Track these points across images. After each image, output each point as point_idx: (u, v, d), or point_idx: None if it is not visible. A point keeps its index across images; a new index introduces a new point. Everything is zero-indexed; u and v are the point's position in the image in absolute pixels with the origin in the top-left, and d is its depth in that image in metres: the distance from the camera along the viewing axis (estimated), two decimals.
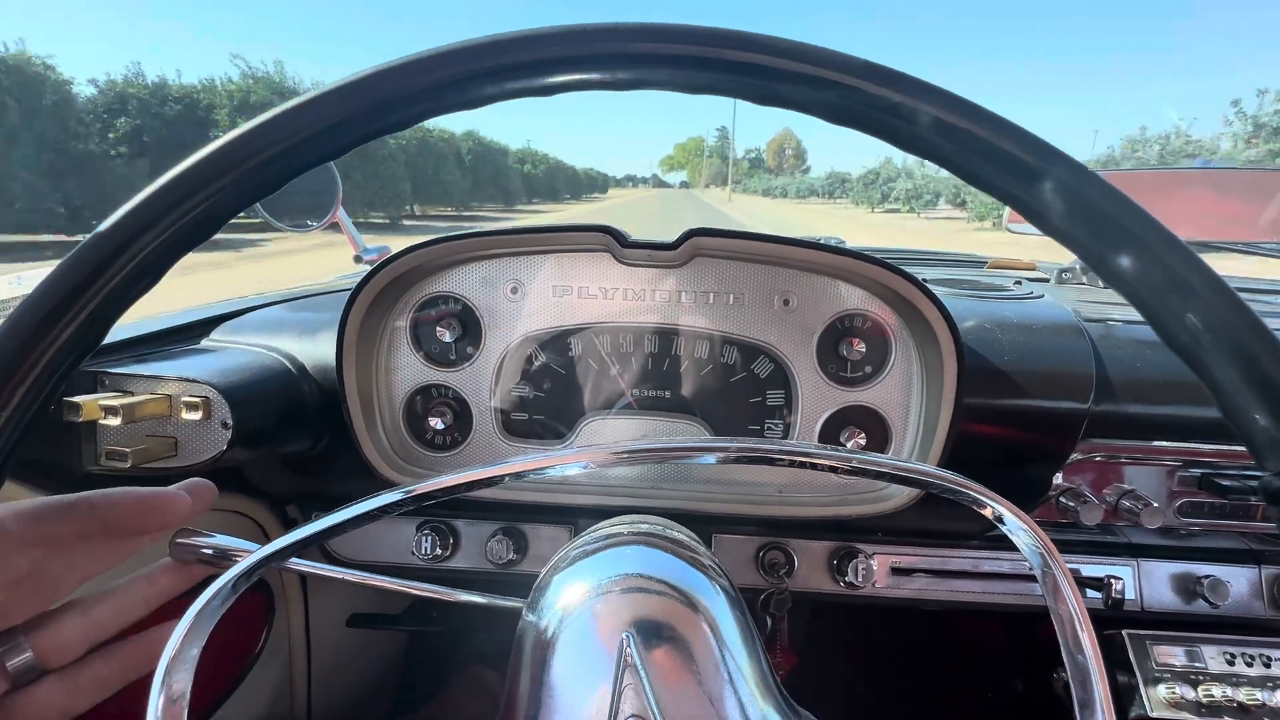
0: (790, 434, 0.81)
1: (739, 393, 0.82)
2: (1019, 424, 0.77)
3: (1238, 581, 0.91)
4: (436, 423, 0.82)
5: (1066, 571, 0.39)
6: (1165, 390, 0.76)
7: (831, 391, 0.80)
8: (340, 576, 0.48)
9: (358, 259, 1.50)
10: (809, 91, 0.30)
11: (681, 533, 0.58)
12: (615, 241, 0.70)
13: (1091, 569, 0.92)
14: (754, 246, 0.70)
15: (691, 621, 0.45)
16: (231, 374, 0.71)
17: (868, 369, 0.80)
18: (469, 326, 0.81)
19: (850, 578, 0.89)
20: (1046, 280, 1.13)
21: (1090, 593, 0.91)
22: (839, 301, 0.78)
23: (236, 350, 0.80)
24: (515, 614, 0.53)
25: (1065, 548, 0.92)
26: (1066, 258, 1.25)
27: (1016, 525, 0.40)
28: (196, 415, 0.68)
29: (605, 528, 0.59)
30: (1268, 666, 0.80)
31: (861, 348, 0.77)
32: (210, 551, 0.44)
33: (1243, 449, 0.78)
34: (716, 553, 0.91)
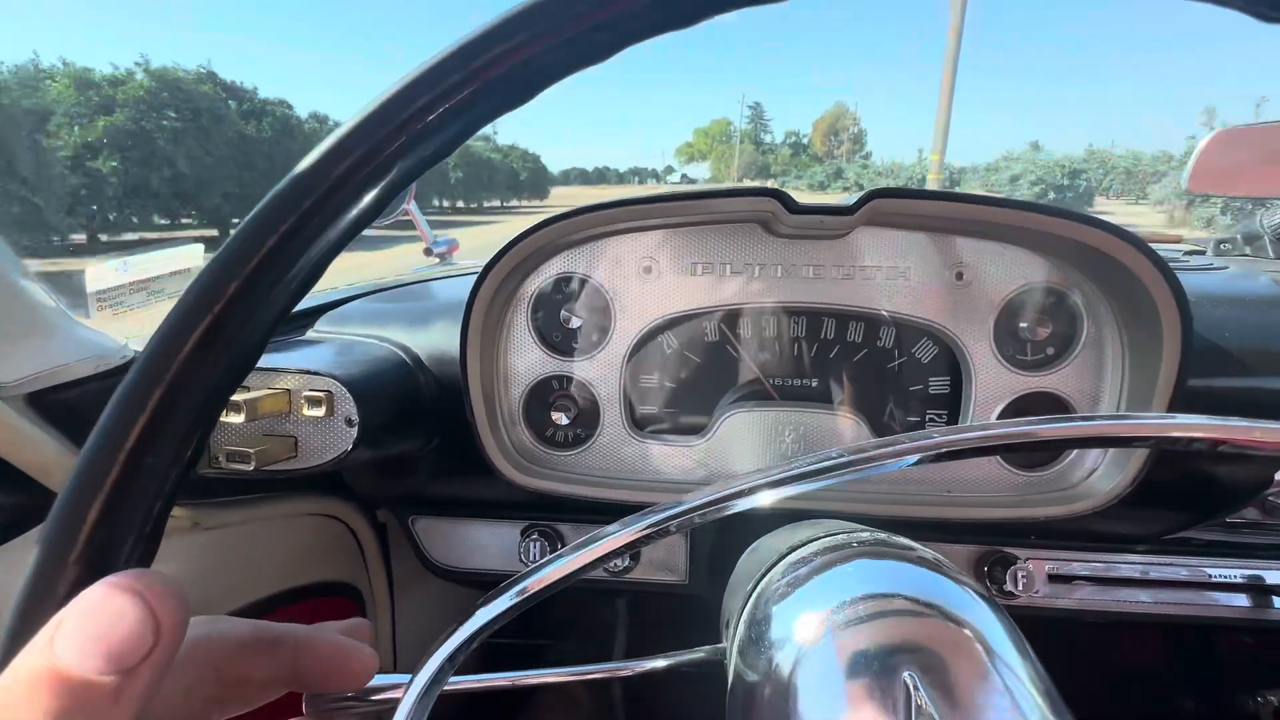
0: (961, 421, 0.72)
1: (898, 381, 0.73)
2: (1240, 408, 0.66)
3: None
4: (560, 418, 0.74)
5: None
6: None
7: (1010, 377, 0.70)
8: (499, 684, 0.40)
9: (428, 251, 1.45)
10: None
11: (891, 536, 0.50)
12: (782, 207, 0.61)
13: (1277, 575, 0.81)
14: (941, 208, 0.61)
15: (965, 643, 0.37)
16: (352, 366, 0.64)
17: (1050, 350, 0.70)
18: (596, 311, 0.73)
19: (1009, 586, 0.79)
20: (1204, 253, 1.02)
21: (1278, 601, 0.81)
22: (1020, 274, 0.68)
23: (350, 341, 0.73)
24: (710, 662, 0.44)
25: (1250, 551, 0.81)
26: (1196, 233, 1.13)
27: None
28: (319, 411, 0.61)
29: (793, 542, 0.50)
30: None
31: (1047, 326, 0.68)
32: (350, 695, 0.36)
33: None
34: None
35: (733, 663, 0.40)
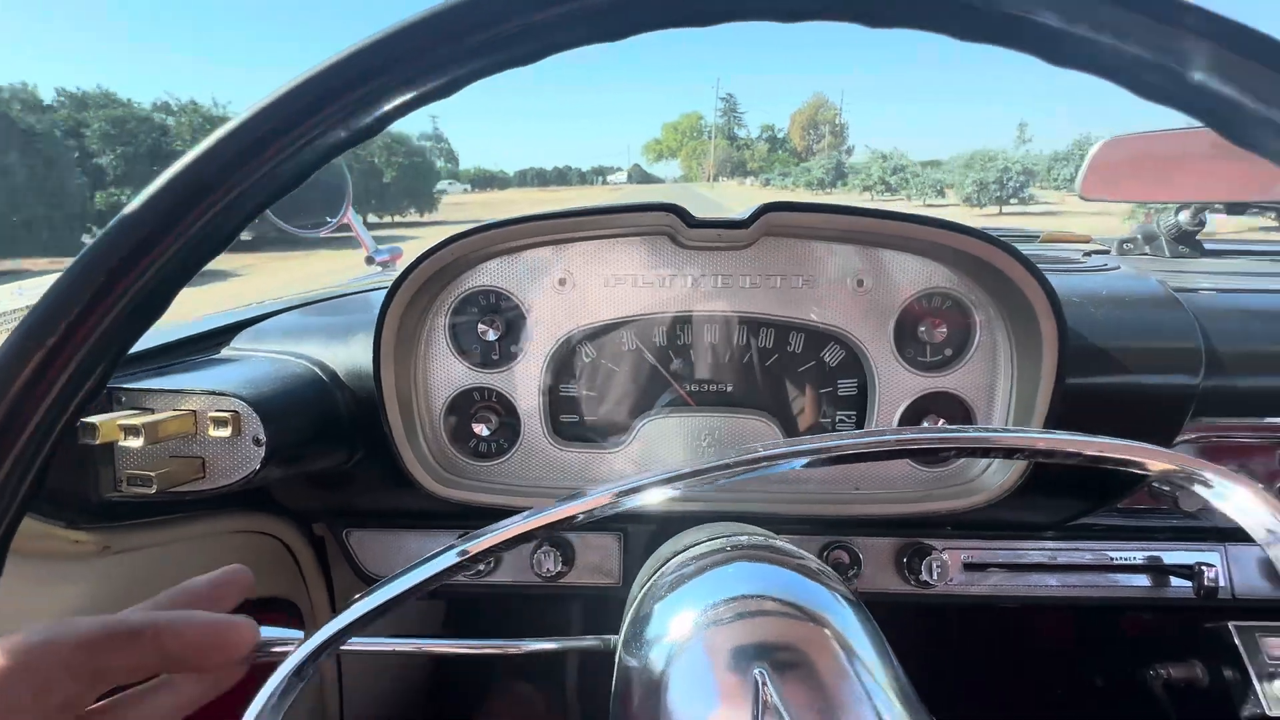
0: (866, 422, 0.75)
1: (808, 384, 0.76)
2: (1122, 405, 0.71)
3: None
4: (481, 429, 0.75)
5: None
6: (1277, 362, 0.70)
7: (911, 378, 0.73)
8: (398, 649, 0.41)
9: (370, 260, 1.44)
10: None
11: (776, 539, 0.52)
12: (680, 221, 0.63)
13: (1177, 556, 0.86)
14: (833, 221, 0.64)
15: (822, 641, 0.39)
16: (261, 384, 0.64)
17: (948, 352, 0.74)
18: (513, 323, 0.75)
19: (924, 576, 0.83)
20: (1107, 252, 1.07)
21: (1177, 581, 0.86)
22: (918, 280, 0.71)
23: (262, 359, 0.73)
24: (597, 650, 0.46)
25: (1146, 534, 0.86)
26: (1114, 231, 1.19)
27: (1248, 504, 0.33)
28: (225, 432, 0.61)
29: (686, 543, 0.52)
30: None
31: (943, 329, 0.71)
32: (263, 643, 0.37)
33: None
34: None
35: (618, 654, 0.42)
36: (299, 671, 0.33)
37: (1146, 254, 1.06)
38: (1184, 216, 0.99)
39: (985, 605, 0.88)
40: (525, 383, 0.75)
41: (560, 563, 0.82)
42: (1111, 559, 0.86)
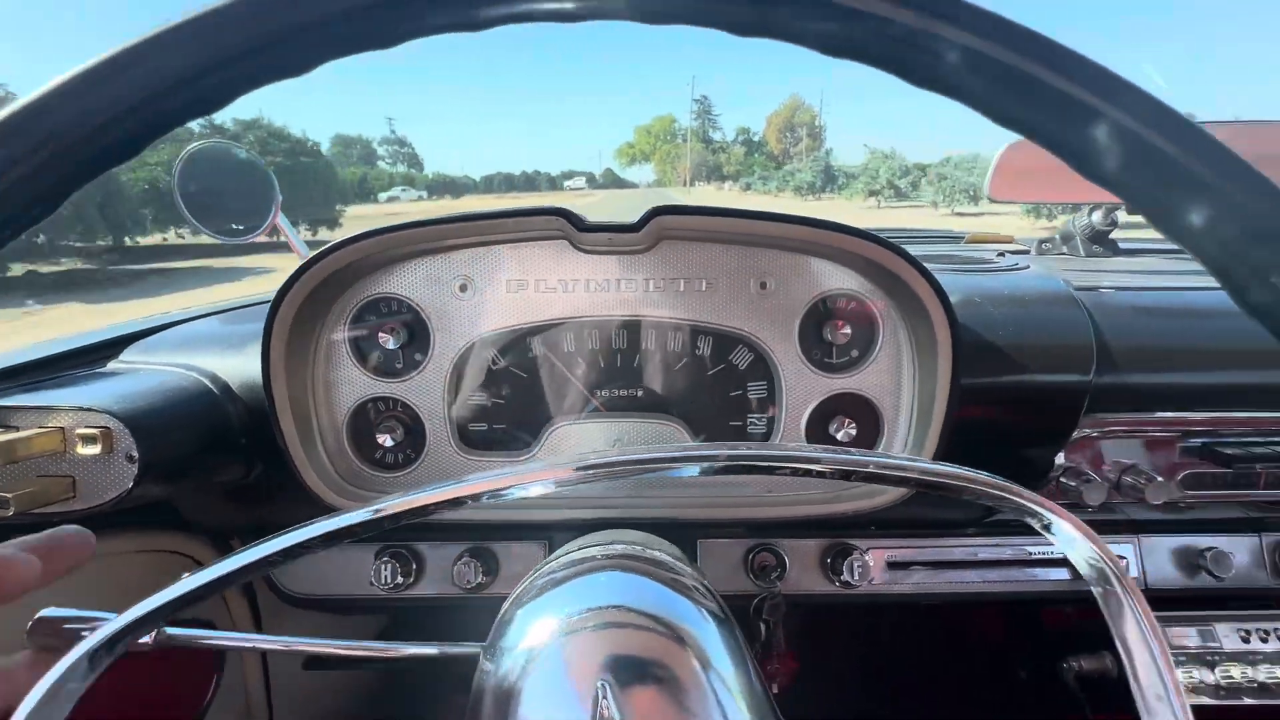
0: (775, 428, 0.75)
1: (717, 387, 0.75)
2: (1019, 402, 0.72)
3: (1239, 552, 0.88)
4: (385, 440, 0.73)
5: (1137, 594, 0.34)
6: (1168, 358, 0.72)
7: (817, 380, 0.73)
8: (229, 645, 0.40)
9: None
10: (796, 14, 0.23)
11: (661, 549, 0.51)
12: (571, 226, 0.62)
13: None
14: (726, 224, 0.64)
15: (677, 655, 0.39)
16: (137, 399, 0.62)
17: (854, 353, 0.74)
18: (415, 331, 0.73)
19: (846, 576, 0.83)
20: (1027, 252, 1.09)
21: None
22: (820, 282, 0.71)
23: (147, 373, 0.71)
24: (472, 656, 0.45)
25: None
26: (1042, 232, 1.21)
27: (1071, 536, 0.34)
28: (95, 449, 0.58)
29: (576, 549, 0.52)
30: None
31: (846, 330, 0.71)
32: (80, 628, 0.36)
33: (1245, 415, 0.73)
34: (703, 560, 0.84)
35: (480, 661, 0.41)
36: (97, 656, 0.31)
37: (1064, 254, 1.08)
38: (1097, 217, 1.01)
39: (911, 603, 0.88)
40: (430, 391, 0.74)
41: (482, 573, 0.80)
42: (1030, 554, 0.88)
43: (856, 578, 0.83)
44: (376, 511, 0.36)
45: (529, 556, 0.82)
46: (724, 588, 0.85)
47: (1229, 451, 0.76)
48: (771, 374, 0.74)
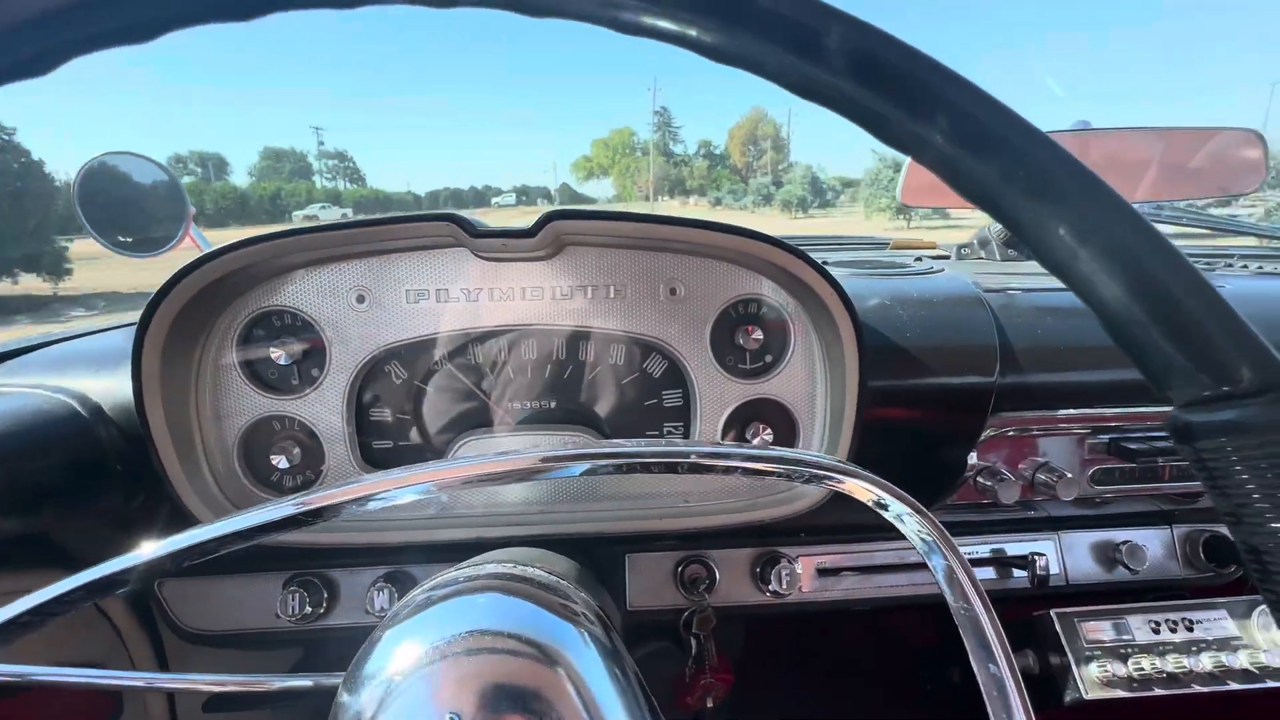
0: (691, 434, 0.74)
1: (631, 395, 0.74)
2: (928, 404, 0.72)
3: (1152, 544, 0.90)
4: (280, 461, 0.69)
5: (968, 569, 0.33)
6: (1068, 356, 0.73)
7: (731, 385, 0.72)
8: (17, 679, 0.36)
9: None
10: None
11: (557, 569, 0.49)
12: (463, 232, 0.60)
13: (1015, 547, 0.89)
14: (627, 228, 0.62)
15: (548, 681, 0.36)
16: None
17: (768, 358, 0.73)
18: (311, 345, 0.69)
19: (775, 585, 0.82)
20: (948, 257, 1.12)
21: (1019, 572, 0.88)
22: (730, 287, 0.71)
23: (6, 396, 0.65)
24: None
25: (988, 528, 0.88)
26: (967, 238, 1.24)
27: (912, 523, 0.33)
28: None
29: (467, 567, 0.49)
30: (1190, 630, 0.79)
31: (758, 335, 0.71)
32: None
33: (1147, 410, 0.75)
34: (632, 575, 0.82)
35: (339, 694, 0.38)
36: None
37: (981, 258, 1.11)
38: None
39: (843, 609, 0.88)
40: (328, 408, 0.70)
41: (397, 599, 0.76)
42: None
43: (785, 586, 0.82)
44: (299, 505, 0.32)
45: None
46: (655, 602, 0.83)
47: (1133, 446, 0.78)
48: (686, 381, 0.72)
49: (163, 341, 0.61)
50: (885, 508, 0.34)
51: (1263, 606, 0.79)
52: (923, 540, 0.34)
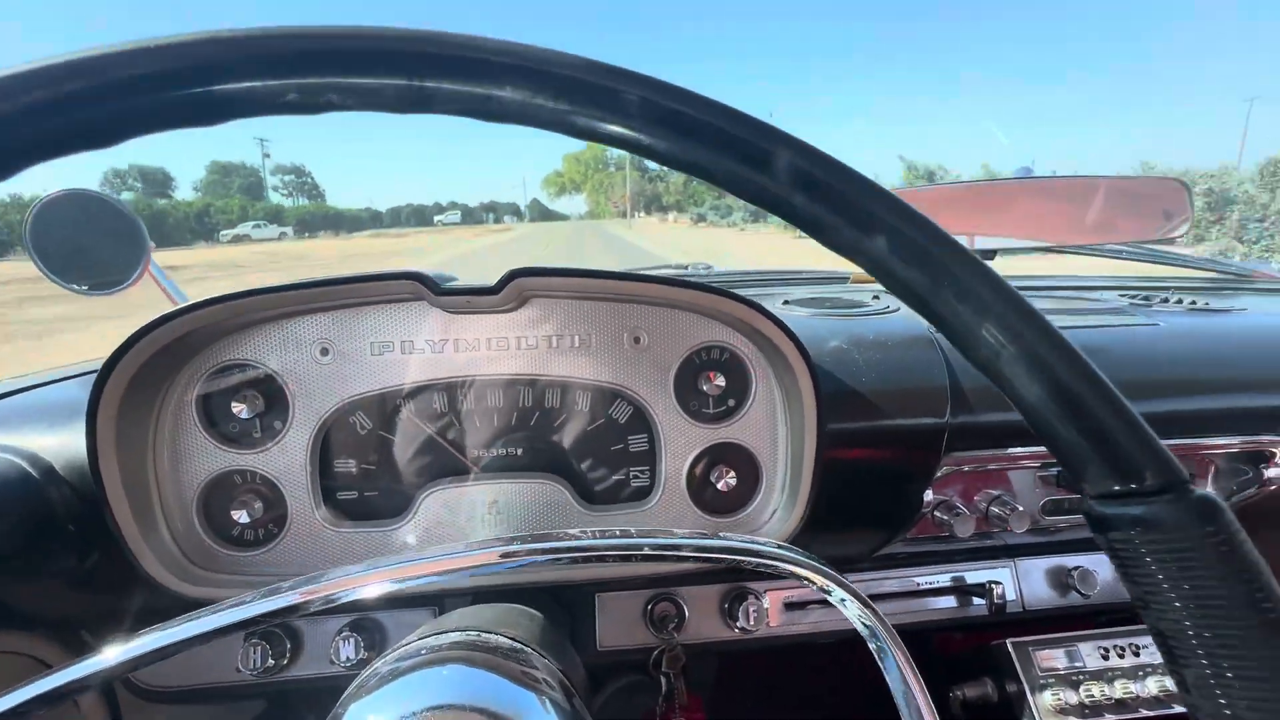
0: (656, 481, 0.75)
1: (599, 442, 0.75)
2: (884, 444, 0.75)
3: (1103, 568, 0.94)
4: (241, 515, 0.68)
5: (901, 648, 0.35)
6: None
7: (696, 430, 0.74)
8: None
9: None
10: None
11: (513, 633, 0.50)
12: (426, 289, 0.61)
13: (975, 575, 0.92)
14: (588, 284, 0.64)
15: None
16: None
17: (731, 403, 0.75)
18: (274, 397, 0.69)
19: (743, 622, 0.84)
20: None
21: (978, 600, 0.91)
22: (692, 335, 0.73)
23: None
24: None
25: (947, 557, 0.91)
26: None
27: (854, 608, 0.35)
28: None
29: (431, 634, 0.49)
30: (1137, 655, 0.82)
31: (720, 381, 0.73)
32: None
33: None
34: (601, 613, 0.82)
35: None
36: None
37: None
38: None
39: (809, 643, 0.89)
40: (291, 461, 0.69)
41: (364, 648, 0.75)
42: (918, 584, 0.91)
43: (753, 622, 0.84)
44: (253, 607, 0.33)
45: (417, 626, 0.78)
46: (625, 641, 0.83)
47: None
48: (651, 426, 0.74)
49: (119, 399, 0.60)
50: (829, 593, 0.36)
51: None
52: (864, 625, 0.35)
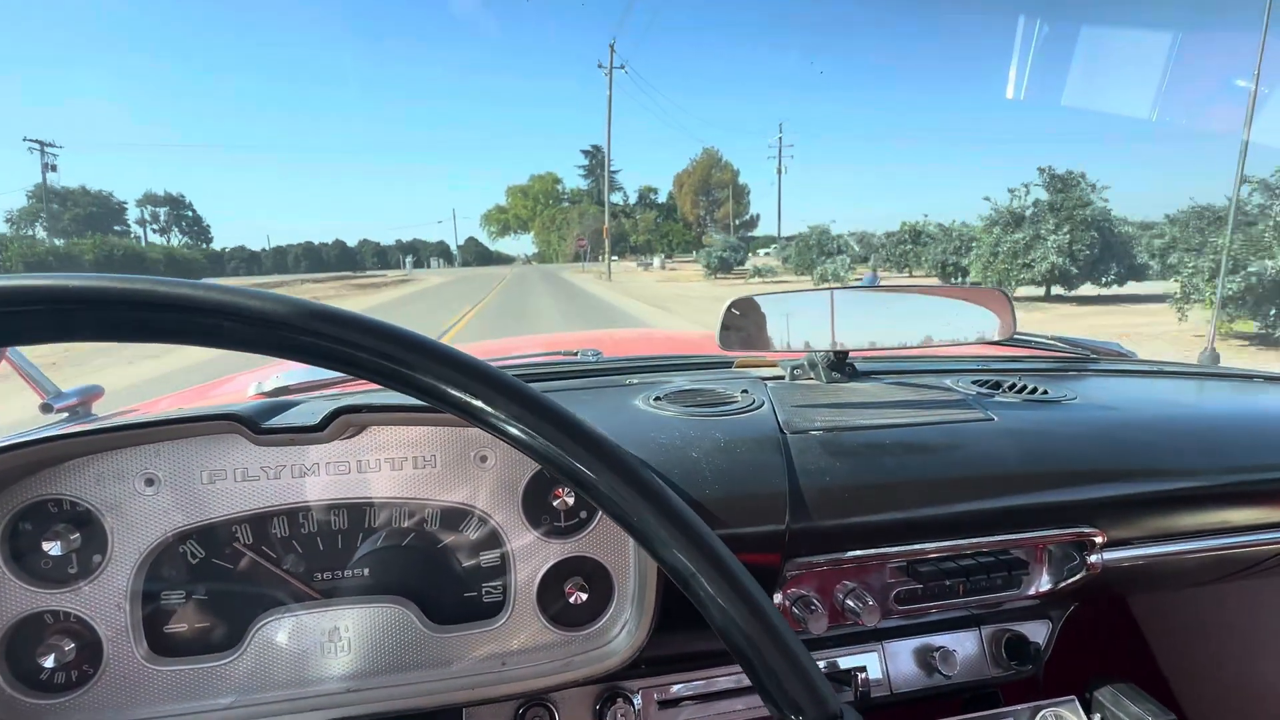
0: (508, 595, 0.75)
1: (447, 560, 0.74)
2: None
3: (965, 647, 0.98)
4: (48, 660, 0.64)
5: None
6: (854, 500, 0.80)
7: (547, 545, 0.75)
8: None
9: (46, 408, 1.24)
10: None
11: None
12: (247, 430, 0.60)
13: (847, 660, 0.95)
14: (407, 418, 0.64)
15: None
16: None
17: (582, 515, 0.76)
18: (91, 533, 0.66)
19: None
20: (784, 378, 1.19)
21: (845, 686, 0.93)
22: None
23: None
24: None
25: (819, 644, 0.93)
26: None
27: None
28: None
29: None
30: None
31: (569, 498, 0.74)
32: None
33: (929, 546, 0.82)
34: None
35: None
36: None
37: (811, 379, 1.20)
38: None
39: None
40: (108, 597, 0.66)
41: None
42: None
43: None
44: None
45: None
46: None
47: (925, 570, 0.86)
48: (501, 543, 0.74)
49: None
50: None
51: (1045, 712, 0.87)
52: None
